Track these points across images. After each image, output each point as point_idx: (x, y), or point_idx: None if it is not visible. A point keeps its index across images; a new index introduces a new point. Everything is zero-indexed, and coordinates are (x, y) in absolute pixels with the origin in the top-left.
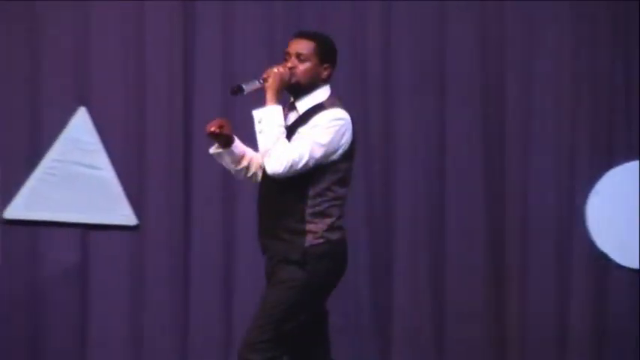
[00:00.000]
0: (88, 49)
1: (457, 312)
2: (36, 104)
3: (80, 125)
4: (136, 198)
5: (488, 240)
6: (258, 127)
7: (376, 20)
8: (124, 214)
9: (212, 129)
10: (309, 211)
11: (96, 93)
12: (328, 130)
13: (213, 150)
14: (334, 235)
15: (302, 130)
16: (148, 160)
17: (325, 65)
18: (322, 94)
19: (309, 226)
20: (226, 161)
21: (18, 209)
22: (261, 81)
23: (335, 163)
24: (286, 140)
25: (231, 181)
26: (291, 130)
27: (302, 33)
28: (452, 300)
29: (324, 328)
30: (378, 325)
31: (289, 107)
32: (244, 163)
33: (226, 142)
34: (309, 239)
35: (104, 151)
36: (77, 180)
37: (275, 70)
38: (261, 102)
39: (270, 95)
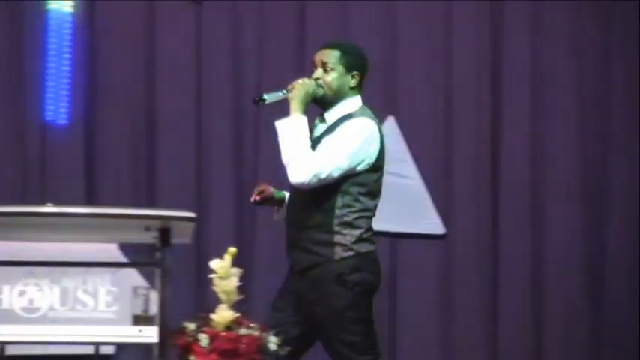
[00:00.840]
0: (396, 57)
1: None
2: None
3: (389, 134)
4: (443, 207)
5: None
6: (281, 138)
7: None
8: (431, 223)
9: (253, 200)
10: (336, 221)
11: (404, 101)
12: (353, 139)
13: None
14: (363, 248)
15: (327, 139)
16: (455, 168)
17: (353, 73)
18: (352, 103)
19: (337, 237)
20: None
21: None
22: (285, 92)
23: (361, 174)
24: (310, 150)
25: (540, 195)
26: (319, 142)
27: (326, 44)
28: None
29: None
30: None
31: (320, 119)
32: None
33: (278, 202)
34: (338, 252)
35: (412, 159)
36: (386, 189)
37: (300, 81)
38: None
39: (294, 106)
